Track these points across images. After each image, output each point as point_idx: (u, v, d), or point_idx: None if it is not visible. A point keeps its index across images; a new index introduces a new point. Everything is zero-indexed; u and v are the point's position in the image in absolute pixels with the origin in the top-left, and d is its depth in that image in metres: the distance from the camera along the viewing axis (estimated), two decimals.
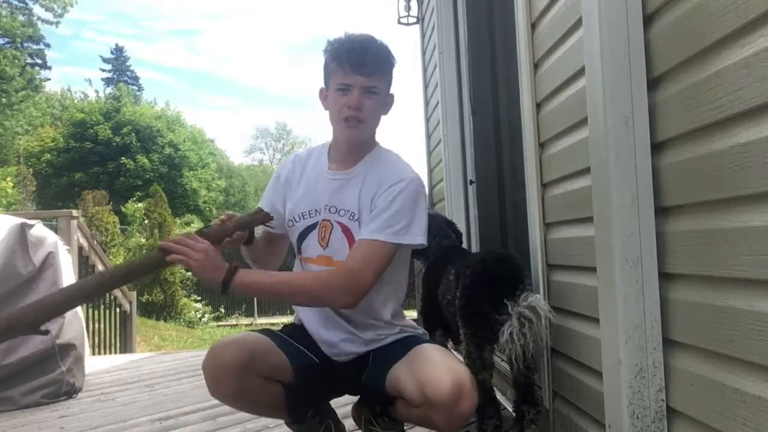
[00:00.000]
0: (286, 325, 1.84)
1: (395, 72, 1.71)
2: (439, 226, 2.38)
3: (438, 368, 1.51)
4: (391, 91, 1.71)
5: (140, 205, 13.78)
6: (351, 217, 1.66)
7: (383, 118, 1.72)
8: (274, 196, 1.78)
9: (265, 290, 1.67)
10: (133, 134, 20.69)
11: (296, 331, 1.76)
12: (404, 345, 1.67)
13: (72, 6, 22.23)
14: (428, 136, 4.52)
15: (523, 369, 1.80)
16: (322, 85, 1.71)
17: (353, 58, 1.60)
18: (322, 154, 1.76)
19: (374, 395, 1.69)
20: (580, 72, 1.55)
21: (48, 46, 26.24)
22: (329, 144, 1.77)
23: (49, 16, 22.56)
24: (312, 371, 1.68)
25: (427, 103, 4.51)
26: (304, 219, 1.71)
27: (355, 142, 1.69)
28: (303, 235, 1.71)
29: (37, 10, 22.30)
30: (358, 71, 1.60)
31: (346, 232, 1.66)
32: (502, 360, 2.30)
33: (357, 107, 1.60)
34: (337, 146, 1.73)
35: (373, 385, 1.65)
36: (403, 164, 1.72)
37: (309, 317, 1.73)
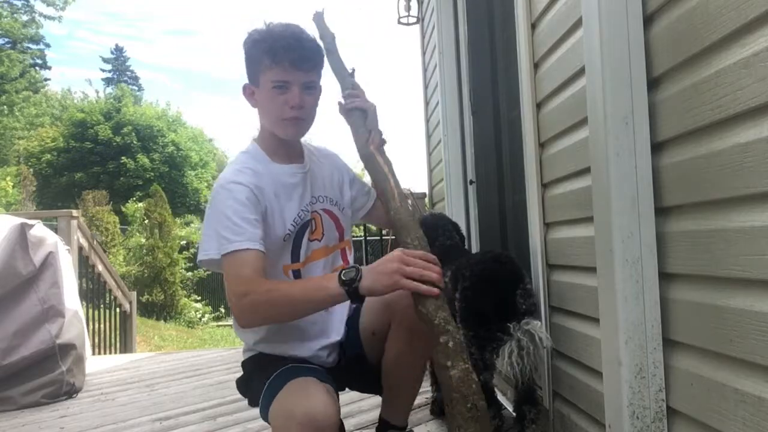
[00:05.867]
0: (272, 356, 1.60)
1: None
2: (444, 226, 2.39)
3: None
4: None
5: (140, 205, 13.75)
6: (331, 202, 1.68)
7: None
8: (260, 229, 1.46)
9: None
10: (134, 134, 20.68)
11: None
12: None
13: (73, 0, 22.40)
14: (428, 137, 4.52)
15: (520, 388, 1.82)
16: (246, 82, 1.59)
17: (292, 54, 1.48)
18: (264, 159, 1.60)
19: (358, 355, 1.68)
20: (580, 72, 1.55)
21: (48, 46, 26.38)
22: (256, 147, 1.62)
23: (50, 11, 22.67)
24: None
25: (427, 103, 4.51)
26: (300, 221, 1.58)
27: (295, 140, 1.63)
28: (299, 239, 1.59)
29: (39, 6, 22.42)
30: (298, 67, 1.49)
31: (332, 216, 1.67)
32: None
33: (300, 105, 1.51)
34: (280, 143, 1.60)
35: (358, 352, 1.68)
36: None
37: (299, 347, 1.60)
